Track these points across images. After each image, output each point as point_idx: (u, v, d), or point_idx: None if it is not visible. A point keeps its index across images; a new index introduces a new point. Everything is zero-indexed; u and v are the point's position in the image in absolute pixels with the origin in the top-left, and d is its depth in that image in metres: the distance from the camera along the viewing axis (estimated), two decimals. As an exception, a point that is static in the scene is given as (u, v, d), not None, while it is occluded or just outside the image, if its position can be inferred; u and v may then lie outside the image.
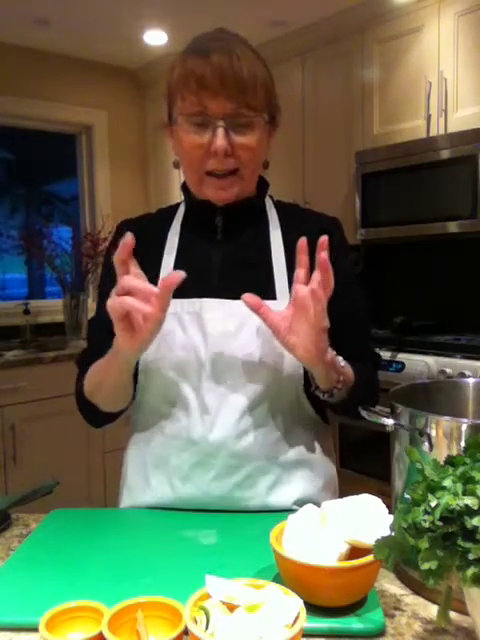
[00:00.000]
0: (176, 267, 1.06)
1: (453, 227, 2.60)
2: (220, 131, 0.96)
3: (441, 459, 0.68)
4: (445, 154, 2.59)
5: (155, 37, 3.35)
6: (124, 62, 3.76)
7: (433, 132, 2.71)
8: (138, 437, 1.12)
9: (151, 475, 1.07)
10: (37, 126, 3.65)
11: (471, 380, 1.04)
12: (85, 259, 3.46)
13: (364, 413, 0.89)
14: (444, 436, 0.80)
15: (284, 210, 1.13)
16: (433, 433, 0.81)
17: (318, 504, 0.83)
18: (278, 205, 1.14)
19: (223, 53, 0.95)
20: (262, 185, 1.11)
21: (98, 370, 1.03)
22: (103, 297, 1.13)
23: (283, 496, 1.05)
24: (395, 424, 0.85)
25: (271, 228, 1.09)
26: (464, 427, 0.79)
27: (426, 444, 0.81)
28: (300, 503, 1.02)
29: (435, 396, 0.93)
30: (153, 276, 1.04)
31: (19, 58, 3.42)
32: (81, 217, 3.91)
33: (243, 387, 1.01)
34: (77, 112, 3.69)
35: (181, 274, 0.81)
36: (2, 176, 3.90)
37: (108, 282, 1.13)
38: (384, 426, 0.87)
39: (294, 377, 1.04)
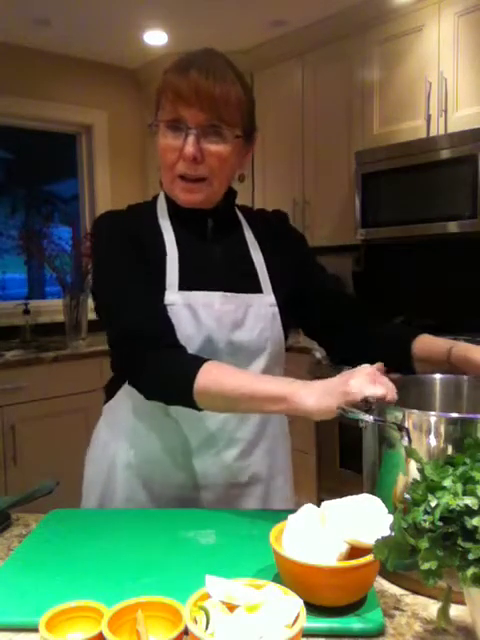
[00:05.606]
0: (182, 260, 1.12)
1: (453, 227, 2.60)
2: (191, 138, 1.04)
3: (421, 453, 0.68)
4: (445, 154, 2.59)
5: (155, 37, 3.35)
6: (124, 62, 3.75)
7: (433, 132, 2.71)
8: (139, 424, 1.16)
9: (161, 456, 1.13)
10: (37, 126, 3.64)
11: (438, 376, 1.05)
12: (85, 259, 3.44)
13: (340, 411, 0.87)
14: (415, 428, 0.81)
15: (245, 213, 1.24)
16: (412, 428, 0.81)
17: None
18: (238, 208, 1.24)
19: (200, 71, 1.02)
20: (231, 193, 1.19)
21: (247, 390, 0.95)
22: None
23: (275, 460, 1.20)
24: (376, 420, 0.84)
25: (245, 229, 1.21)
26: (433, 420, 0.80)
27: (405, 439, 0.81)
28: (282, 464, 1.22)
29: (400, 392, 0.91)
30: (158, 261, 1.11)
31: (19, 58, 3.42)
32: (81, 217, 3.90)
33: (246, 367, 1.11)
34: (77, 112, 3.69)
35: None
36: (2, 176, 3.90)
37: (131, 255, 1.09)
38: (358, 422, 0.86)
39: (280, 354, 1.18)
